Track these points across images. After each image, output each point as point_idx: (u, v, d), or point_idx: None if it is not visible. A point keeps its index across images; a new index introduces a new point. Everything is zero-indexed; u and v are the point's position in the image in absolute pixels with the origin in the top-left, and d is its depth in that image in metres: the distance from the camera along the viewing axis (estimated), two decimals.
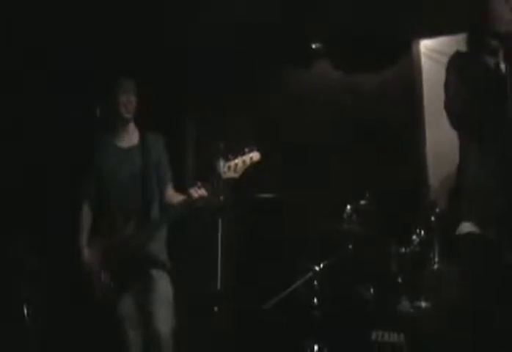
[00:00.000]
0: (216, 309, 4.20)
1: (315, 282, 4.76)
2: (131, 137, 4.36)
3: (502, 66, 3.06)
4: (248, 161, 3.95)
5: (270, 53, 5.97)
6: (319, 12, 5.59)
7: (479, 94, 3.06)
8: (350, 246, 4.96)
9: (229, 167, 3.93)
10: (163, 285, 4.17)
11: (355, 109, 5.92)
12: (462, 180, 3.28)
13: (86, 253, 4.20)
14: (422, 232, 4.82)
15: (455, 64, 3.25)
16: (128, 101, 4.23)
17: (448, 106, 3.20)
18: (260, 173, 4.13)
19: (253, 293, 5.25)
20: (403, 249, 4.83)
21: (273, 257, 5.56)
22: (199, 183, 4.01)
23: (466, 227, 3.21)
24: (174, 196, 4.25)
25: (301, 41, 6.09)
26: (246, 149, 3.97)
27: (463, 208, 3.25)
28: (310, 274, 4.79)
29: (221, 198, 4.49)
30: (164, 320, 4.09)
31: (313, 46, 6.18)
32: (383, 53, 5.84)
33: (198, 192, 3.97)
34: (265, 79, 6.13)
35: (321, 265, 4.81)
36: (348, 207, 5.08)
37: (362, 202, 5.09)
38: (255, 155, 3.97)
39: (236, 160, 3.94)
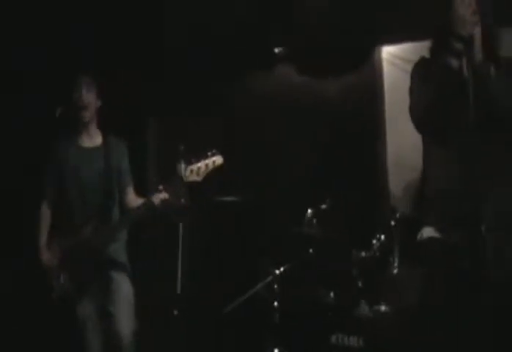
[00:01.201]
0: (175, 312, 4.18)
1: (276, 286, 4.75)
2: (94, 138, 4.34)
3: (465, 69, 3.08)
4: (211, 165, 3.98)
5: (233, 55, 5.97)
6: (283, 16, 5.61)
7: (442, 99, 3.08)
8: (310, 250, 4.96)
9: (191, 171, 3.96)
10: (123, 287, 4.17)
11: (317, 113, 5.94)
12: (425, 184, 3.30)
13: (45, 253, 4.15)
14: (382, 237, 4.85)
15: (420, 69, 3.29)
16: (85, 101, 4.18)
17: (412, 111, 3.23)
18: (222, 176, 4.13)
19: (213, 297, 5.24)
20: (363, 253, 4.85)
21: (234, 260, 5.56)
22: (160, 187, 4.01)
23: (428, 232, 3.23)
24: (134, 200, 4.26)
25: (264, 44, 6.10)
26: (209, 153, 3.99)
27: (425, 213, 3.27)
28: (270, 278, 4.78)
29: (183, 201, 4.48)
30: (125, 322, 4.09)
31: (276, 50, 6.20)
32: (345, 58, 5.87)
33: (159, 196, 3.97)
34: (228, 82, 6.13)
35: (282, 269, 4.80)
36: (309, 211, 5.08)
37: (323, 206, 5.10)
38: (218, 159, 4.00)
39: (199, 164, 3.97)
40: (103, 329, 4.10)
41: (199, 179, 3.96)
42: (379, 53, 5.94)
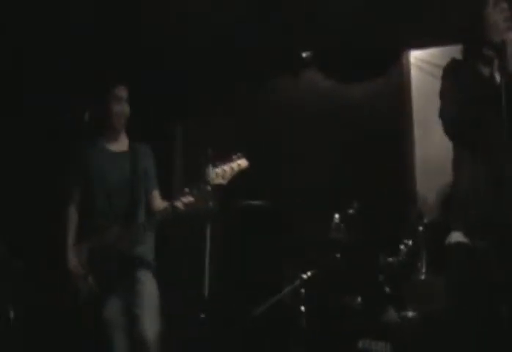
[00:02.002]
0: (203, 315, 4.18)
1: (303, 290, 4.74)
2: (121, 143, 4.38)
3: (497, 76, 3.04)
4: (236, 168, 3.97)
5: (260, 60, 5.98)
6: (310, 21, 5.61)
7: (475, 103, 3.04)
8: (338, 255, 4.95)
9: (217, 174, 3.95)
10: (149, 289, 4.15)
11: (344, 119, 5.93)
12: (454, 189, 3.26)
13: (72, 255, 4.18)
14: (410, 242, 4.82)
15: (452, 71, 3.23)
16: (122, 112, 4.26)
17: (444, 114, 3.17)
18: (250, 179, 4.13)
19: (241, 300, 5.23)
20: (391, 259, 4.83)
21: (261, 264, 5.56)
22: (185, 189, 4.02)
23: (456, 237, 3.20)
24: (160, 204, 4.27)
25: (292, 49, 6.10)
26: (235, 156, 3.99)
27: (454, 218, 3.24)
28: (298, 282, 4.77)
29: (210, 204, 4.49)
30: (150, 324, 4.06)
31: (303, 55, 6.20)
32: (373, 63, 5.86)
33: (184, 199, 3.98)
34: (254, 86, 6.14)
35: (309, 274, 4.79)
36: (336, 215, 5.07)
37: (350, 211, 5.08)
38: (243, 162, 3.99)
39: (224, 167, 3.96)
40: (129, 331, 4.10)
41: (224, 182, 3.95)
42: (407, 57, 5.93)
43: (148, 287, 4.15)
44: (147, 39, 5.69)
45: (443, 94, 3.21)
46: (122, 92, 4.28)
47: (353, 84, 6.03)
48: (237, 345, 5.27)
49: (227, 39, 5.75)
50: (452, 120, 3.11)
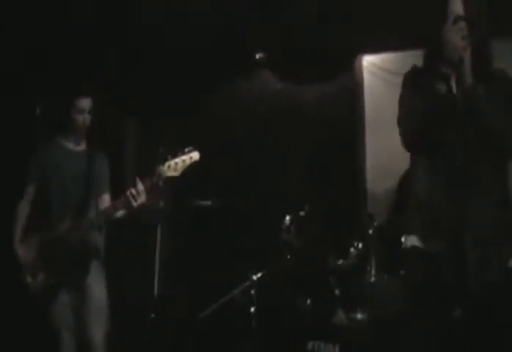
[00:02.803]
0: (152, 315, 4.14)
1: (253, 291, 4.72)
2: (79, 143, 4.39)
3: (455, 91, 3.07)
4: (188, 161, 3.95)
5: (213, 61, 5.96)
6: (263, 21, 5.60)
7: (434, 111, 3.07)
8: (288, 257, 4.94)
9: (169, 166, 3.94)
10: (98, 289, 4.15)
11: (296, 120, 5.94)
12: (411, 193, 3.28)
13: (20, 248, 4.14)
14: (360, 245, 4.84)
15: (412, 79, 3.26)
16: (83, 122, 4.29)
17: (402, 121, 3.19)
18: (202, 180, 4.11)
19: (190, 301, 5.20)
20: (341, 261, 4.84)
21: (211, 264, 5.52)
22: (138, 184, 3.97)
23: (411, 241, 3.22)
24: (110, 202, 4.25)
25: (245, 50, 6.09)
26: (186, 149, 3.98)
27: (409, 221, 3.26)
28: (248, 283, 4.75)
29: (161, 203, 4.47)
30: (97, 326, 4.07)
31: (256, 56, 6.19)
32: (326, 65, 5.88)
33: (134, 192, 3.94)
34: (208, 87, 6.12)
35: (259, 275, 4.77)
36: (287, 217, 5.06)
37: (301, 213, 5.08)
38: (195, 155, 3.98)
39: (176, 159, 3.95)
40: (76, 330, 4.07)
41: (176, 174, 3.94)
42: (360, 61, 5.97)
43: (97, 287, 4.15)
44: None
45: (402, 102, 3.23)
46: (85, 103, 4.29)
47: (305, 86, 6.04)
48: (187, 344, 5.23)
49: (181, 40, 5.71)
50: (411, 127, 3.13)
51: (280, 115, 6.01)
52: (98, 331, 4.04)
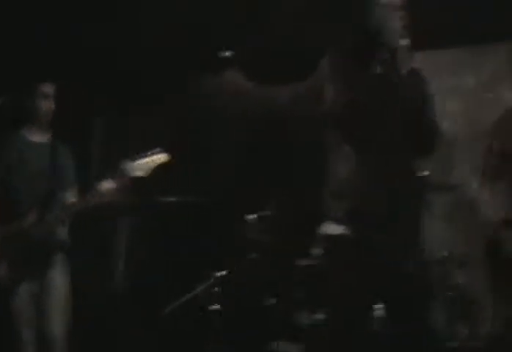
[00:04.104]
0: (114, 311, 4.10)
1: (216, 289, 4.69)
2: (42, 134, 4.32)
3: (388, 77, 3.12)
4: (156, 161, 3.96)
5: (180, 57, 5.91)
6: (233, 20, 5.57)
7: (363, 101, 3.10)
8: (253, 255, 4.92)
9: (136, 166, 3.93)
10: (60, 284, 4.11)
11: (266, 120, 5.93)
12: (331, 180, 3.30)
13: None
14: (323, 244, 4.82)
15: (343, 71, 3.28)
16: (48, 108, 4.24)
17: (329, 109, 3.19)
18: (167, 176, 4.08)
19: (155, 298, 5.15)
20: (305, 261, 4.83)
21: (176, 261, 5.48)
22: (103, 181, 3.95)
23: (333, 228, 3.23)
24: (76, 197, 4.19)
25: (213, 48, 6.05)
26: (155, 150, 3.97)
27: (329, 208, 3.27)
28: (211, 281, 4.72)
29: (127, 199, 4.43)
30: (57, 321, 4.04)
31: (225, 54, 6.15)
32: (296, 65, 5.86)
33: (100, 189, 3.92)
34: (174, 83, 6.07)
35: (223, 272, 4.74)
36: (253, 216, 5.05)
37: (267, 212, 5.08)
38: (163, 156, 3.99)
39: (144, 160, 3.93)
40: (36, 325, 4.01)
41: (143, 174, 3.94)
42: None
43: (60, 281, 4.11)
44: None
45: (335, 77, 3.22)
46: (49, 88, 4.25)
47: (276, 86, 6.02)
48: (150, 341, 5.18)
49: (151, 38, 5.66)
50: (338, 116, 3.14)
51: (250, 115, 5.99)
52: (59, 325, 4.00)
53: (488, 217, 3.91)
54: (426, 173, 4.28)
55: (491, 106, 5.09)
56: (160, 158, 3.97)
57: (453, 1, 5.03)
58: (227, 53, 6.15)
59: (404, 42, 3.08)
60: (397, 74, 3.03)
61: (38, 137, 4.29)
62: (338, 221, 3.17)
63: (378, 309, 3.24)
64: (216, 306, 4.63)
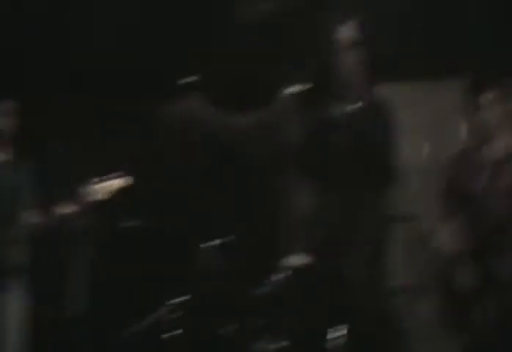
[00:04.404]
0: (68, 335, 4.05)
1: (173, 316, 4.66)
2: (4, 154, 4.31)
3: (343, 112, 3.18)
4: (116, 185, 3.99)
5: (142, 83, 5.92)
6: (193, 45, 5.61)
7: (320, 137, 3.17)
8: (211, 283, 4.91)
9: (96, 189, 3.92)
10: (15, 308, 4.02)
11: (225, 147, 5.93)
12: (294, 213, 3.37)
13: None
14: (279, 274, 4.84)
15: (305, 100, 3.35)
16: (7, 124, 4.27)
17: (291, 140, 3.26)
18: (127, 200, 4.08)
19: (111, 324, 5.08)
20: (263, 289, 4.83)
21: (134, 287, 5.42)
22: (63, 204, 3.94)
23: (297, 259, 3.28)
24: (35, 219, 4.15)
25: (173, 74, 6.07)
26: (115, 174, 3.97)
27: (292, 241, 3.33)
28: (168, 308, 4.69)
29: (85, 222, 4.40)
30: (13, 345, 3.93)
31: (186, 80, 6.17)
32: (257, 94, 5.91)
33: (60, 212, 3.90)
34: (136, 109, 6.06)
35: (180, 299, 4.72)
36: (210, 243, 5.04)
37: (225, 239, 5.08)
38: (123, 180, 3.99)
39: (104, 183, 3.93)
40: None
41: (103, 198, 3.95)
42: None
43: (15, 306, 4.03)
44: None
45: (293, 111, 3.30)
46: (8, 106, 4.26)
47: (237, 113, 6.04)
48: None
49: (111, 62, 5.66)
50: (299, 151, 3.21)
51: (208, 142, 5.99)
52: (15, 349, 3.94)
53: (442, 249, 3.99)
54: (384, 205, 4.35)
55: (448, 142, 5.16)
56: (120, 181, 3.98)
57: (406, 36, 5.14)
58: (189, 79, 6.17)
59: (359, 77, 3.14)
60: (352, 108, 3.10)
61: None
62: (299, 250, 3.22)
63: (338, 336, 3.26)
64: (173, 333, 4.60)
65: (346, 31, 3.26)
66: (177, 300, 4.73)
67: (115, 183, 3.99)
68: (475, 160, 3.93)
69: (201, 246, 5.04)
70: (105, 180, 3.97)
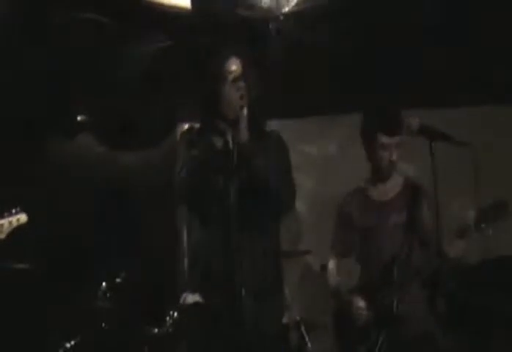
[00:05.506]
0: None
1: None
2: None
3: (230, 147, 3.22)
4: (14, 222, 3.86)
5: (34, 120, 5.79)
6: (89, 85, 5.56)
7: (208, 165, 3.20)
8: (103, 324, 4.80)
9: None
10: None
11: (114, 186, 5.89)
12: (187, 249, 3.37)
13: None
14: (175, 314, 4.80)
15: (187, 137, 3.37)
16: None
17: (175, 178, 3.27)
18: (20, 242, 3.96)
19: None
20: (156, 330, 4.77)
21: (24, 332, 5.23)
22: None
23: (191, 298, 3.27)
24: None
25: (67, 112, 5.99)
26: (13, 211, 3.85)
27: (187, 278, 3.32)
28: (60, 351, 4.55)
29: None
30: None
31: (78, 118, 6.10)
32: (148, 132, 5.91)
33: None
34: (29, 148, 5.91)
35: (72, 342, 4.59)
36: (104, 284, 4.95)
37: (118, 280, 5.00)
38: (22, 217, 3.87)
39: (2, 221, 3.80)
40: None
41: (2, 236, 3.79)
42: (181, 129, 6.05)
43: None
44: None
45: (178, 159, 3.31)
46: None
47: (125, 152, 6.02)
48: None
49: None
50: (182, 184, 3.22)
51: (99, 180, 5.93)
52: None
53: (335, 285, 4.06)
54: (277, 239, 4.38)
55: (340, 178, 5.24)
56: (19, 218, 3.85)
57: (299, 72, 5.24)
58: (80, 118, 6.10)
59: (243, 112, 3.17)
60: (238, 144, 3.11)
61: None
62: (192, 289, 3.20)
63: None
64: None
65: (230, 66, 3.27)
66: (69, 343, 4.58)
67: (15, 222, 3.83)
68: (369, 198, 4.02)
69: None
70: (4, 218, 3.81)
